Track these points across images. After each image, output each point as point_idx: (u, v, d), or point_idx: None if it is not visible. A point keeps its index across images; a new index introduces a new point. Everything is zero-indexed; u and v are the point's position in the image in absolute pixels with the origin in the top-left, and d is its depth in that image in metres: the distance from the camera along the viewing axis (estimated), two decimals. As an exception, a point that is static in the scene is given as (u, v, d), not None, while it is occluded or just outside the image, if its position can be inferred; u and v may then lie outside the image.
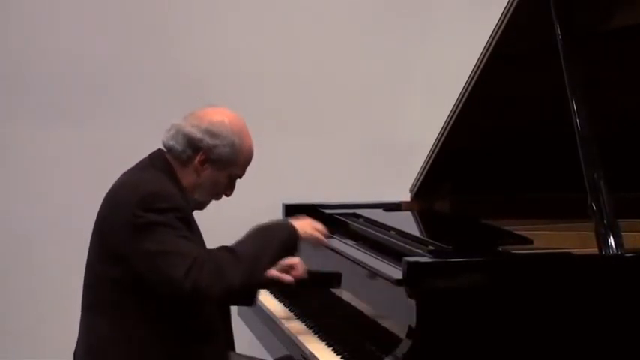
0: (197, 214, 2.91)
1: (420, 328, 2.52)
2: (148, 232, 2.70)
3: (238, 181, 2.96)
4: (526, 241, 2.97)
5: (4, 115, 4.62)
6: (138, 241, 2.71)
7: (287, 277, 3.00)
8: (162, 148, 2.92)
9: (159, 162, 2.89)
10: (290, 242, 2.93)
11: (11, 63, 4.60)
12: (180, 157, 2.86)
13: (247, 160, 2.93)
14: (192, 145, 2.84)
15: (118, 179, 2.93)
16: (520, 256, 2.80)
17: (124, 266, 2.75)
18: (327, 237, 3.16)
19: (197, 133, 2.84)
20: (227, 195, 2.98)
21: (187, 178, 2.88)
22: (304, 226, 2.99)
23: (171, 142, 2.86)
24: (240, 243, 2.83)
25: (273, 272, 2.95)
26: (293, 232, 2.93)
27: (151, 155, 2.94)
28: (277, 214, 3.87)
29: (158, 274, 2.68)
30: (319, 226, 3.05)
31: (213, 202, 3.01)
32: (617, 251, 2.70)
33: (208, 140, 2.84)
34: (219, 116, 2.88)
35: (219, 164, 2.87)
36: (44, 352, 4.55)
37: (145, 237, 2.70)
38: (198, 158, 2.85)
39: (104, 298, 2.80)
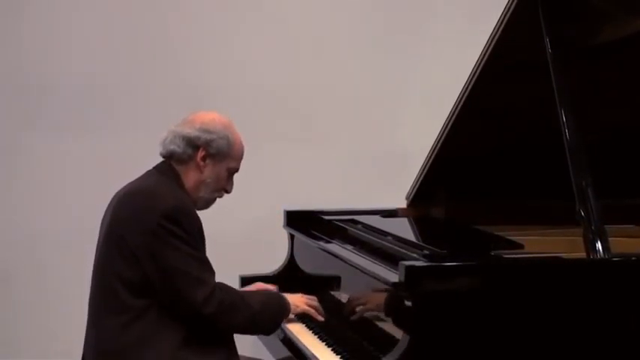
0: (204, 220, 2.94)
1: (416, 329, 2.53)
2: (174, 247, 2.78)
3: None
4: (517, 245, 2.98)
5: (26, 126, 4.64)
6: (162, 252, 2.78)
7: (319, 318, 3.21)
8: (163, 158, 3.00)
9: (164, 168, 2.98)
10: (284, 313, 3.09)
11: (32, 79, 4.63)
12: (181, 157, 2.95)
13: (241, 153, 3.03)
14: (192, 144, 2.94)
15: (130, 186, 2.98)
16: (511, 260, 2.81)
17: (142, 269, 2.79)
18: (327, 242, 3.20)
19: (194, 132, 2.94)
20: (227, 191, 3.06)
21: (191, 177, 2.96)
22: (296, 301, 3.16)
23: (171, 147, 2.95)
24: (248, 294, 3.02)
25: (305, 308, 3.18)
26: (287, 307, 3.10)
27: (155, 167, 3.02)
28: (279, 220, 3.89)
29: (179, 292, 2.78)
30: (309, 301, 3.21)
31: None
32: (605, 255, 2.72)
33: (205, 136, 2.94)
34: (209, 116, 3.00)
35: (218, 157, 2.96)
36: (53, 351, 4.55)
37: (170, 251, 2.78)
38: (199, 155, 2.95)
39: (118, 300, 2.82)
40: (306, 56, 4.85)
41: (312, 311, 3.18)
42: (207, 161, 2.95)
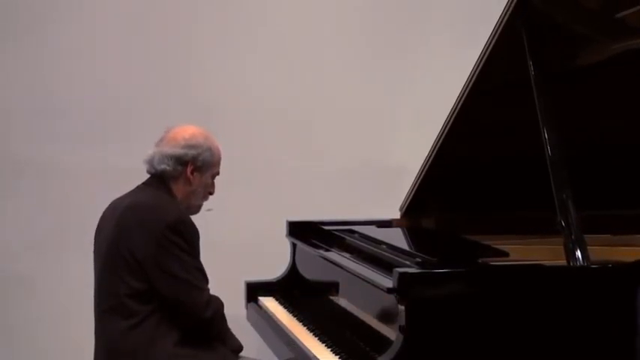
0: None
1: (409, 331, 2.55)
2: (177, 258, 2.84)
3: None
4: (503, 253, 2.99)
5: (46, 137, 4.67)
6: (166, 262, 2.83)
7: None
8: (151, 175, 3.06)
9: (156, 183, 3.04)
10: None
11: (52, 93, 4.65)
12: (172, 174, 3.02)
13: (220, 158, 3.12)
14: (180, 161, 3.01)
15: (128, 200, 3.02)
16: (497, 267, 2.82)
17: (148, 278, 2.83)
18: (326, 250, 3.23)
19: (179, 150, 3.01)
20: (211, 193, 3.14)
21: (181, 190, 3.04)
22: None
23: (161, 166, 3.01)
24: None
25: None
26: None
27: (145, 182, 3.07)
28: (282, 230, 3.92)
29: (183, 298, 2.85)
30: None
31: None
32: (584, 263, 2.74)
33: (192, 152, 3.02)
34: (188, 131, 3.07)
35: (204, 168, 3.05)
36: (63, 354, 4.58)
37: (174, 261, 2.84)
38: (188, 170, 3.02)
39: (126, 306, 2.86)
40: (307, 75, 4.87)
41: None
42: (196, 174, 3.04)
